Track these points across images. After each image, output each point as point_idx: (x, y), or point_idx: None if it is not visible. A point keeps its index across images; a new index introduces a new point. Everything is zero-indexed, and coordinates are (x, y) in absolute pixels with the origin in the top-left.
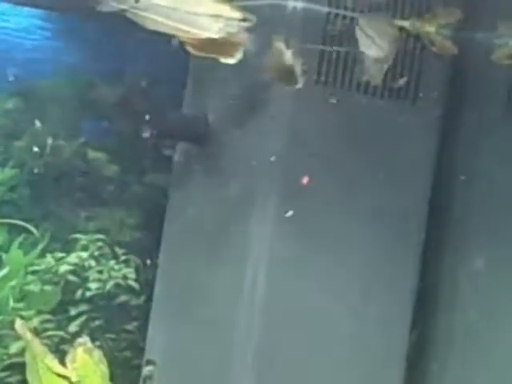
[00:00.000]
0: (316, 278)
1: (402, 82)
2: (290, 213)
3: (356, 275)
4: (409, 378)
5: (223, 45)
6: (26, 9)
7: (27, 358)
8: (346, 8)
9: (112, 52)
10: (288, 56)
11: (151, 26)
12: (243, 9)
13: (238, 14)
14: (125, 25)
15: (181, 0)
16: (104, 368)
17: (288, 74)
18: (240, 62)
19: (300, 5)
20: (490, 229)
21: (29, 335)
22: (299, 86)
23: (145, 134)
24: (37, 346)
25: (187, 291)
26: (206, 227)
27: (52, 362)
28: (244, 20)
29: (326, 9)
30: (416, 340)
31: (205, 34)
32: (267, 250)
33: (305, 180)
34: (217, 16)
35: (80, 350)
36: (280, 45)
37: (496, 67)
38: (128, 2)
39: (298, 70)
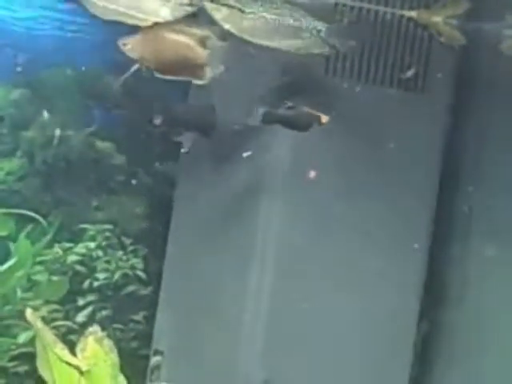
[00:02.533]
0: (324, 267)
1: (410, 72)
2: (249, 153)
3: (364, 265)
4: (417, 368)
5: (191, 67)
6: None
7: (37, 346)
8: None
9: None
10: (200, 54)
11: (101, 14)
12: None
13: None
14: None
15: None
16: (114, 357)
17: (197, 69)
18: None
19: None
20: (499, 219)
21: (39, 324)
22: (205, 81)
23: (156, 120)
24: (47, 335)
25: (195, 281)
26: (213, 216)
27: (62, 351)
28: (191, 4)
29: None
30: (425, 331)
31: (152, 19)
32: (275, 239)
33: (312, 174)
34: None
35: (90, 339)
36: (191, 42)
37: (504, 57)
38: None
39: (209, 66)
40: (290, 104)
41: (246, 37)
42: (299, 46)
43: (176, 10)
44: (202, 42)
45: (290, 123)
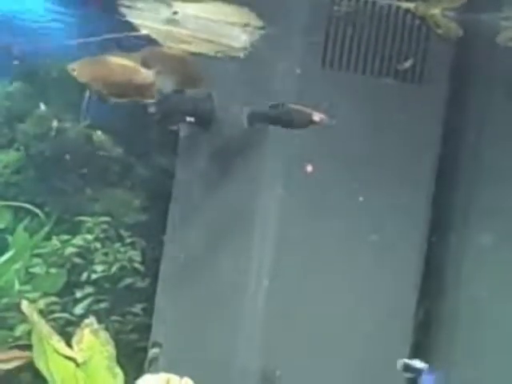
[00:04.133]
0: (321, 258)
1: (407, 64)
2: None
3: (362, 255)
4: (415, 355)
5: (138, 88)
6: None
7: (34, 339)
8: None
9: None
10: (146, 74)
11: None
12: None
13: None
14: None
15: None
16: (111, 349)
17: (145, 90)
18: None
19: None
20: (496, 206)
21: (35, 317)
22: (153, 100)
23: (150, 108)
24: (43, 327)
25: (193, 273)
26: (211, 207)
27: (58, 343)
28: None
29: None
30: (422, 318)
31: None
32: (274, 228)
33: (309, 168)
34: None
35: (86, 331)
36: (135, 65)
37: (502, 48)
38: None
39: (162, 84)
40: (276, 103)
41: (167, 42)
42: (218, 48)
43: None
44: (145, 63)
45: (279, 122)
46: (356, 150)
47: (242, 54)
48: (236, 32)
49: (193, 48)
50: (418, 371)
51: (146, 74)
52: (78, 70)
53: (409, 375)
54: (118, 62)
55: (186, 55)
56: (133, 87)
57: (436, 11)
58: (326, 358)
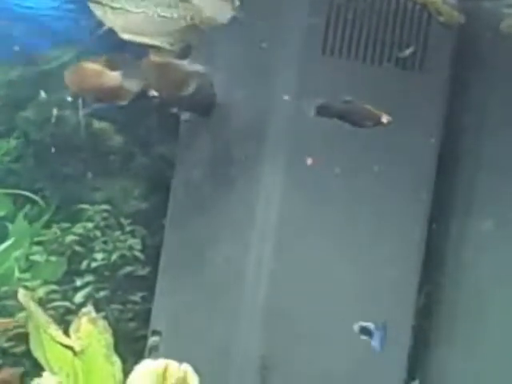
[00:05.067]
0: (323, 243)
1: (408, 51)
2: None
3: (363, 239)
4: (416, 340)
5: (110, 91)
6: None
7: (30, 328)
8: None
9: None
10: (112, 75)
11: None
12: None
13: None
14: None
15: None
16: (108, 337)
17: (115, 92)
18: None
19: None
20: (497, 193)
21: (32, 305)
22: (125, 102)
23: (151, 92)
24: (40, 316)
25: (193, 261)
26: (211, 195)
27: (55, 331)
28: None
29: None
30: (423, 304)
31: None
32: (275, 216)
33: (309, 160)
34: None
35: (84, 320)
36: (96, 65)
37: (503, 35)
38: None
39: (129, 85)
40: (347, 99)
41: (123, 35)
42: (172, 39)
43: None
44: (111, 66)
45: (347, 118)
46: (356, 136)
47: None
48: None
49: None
50: (371, 332)
51: (113, 76)
52: (66, 76)
53: (364, 337)
54: (88, 66)
55: (165, 60)
56: (103, 90)
57: None
58: (326, 346)
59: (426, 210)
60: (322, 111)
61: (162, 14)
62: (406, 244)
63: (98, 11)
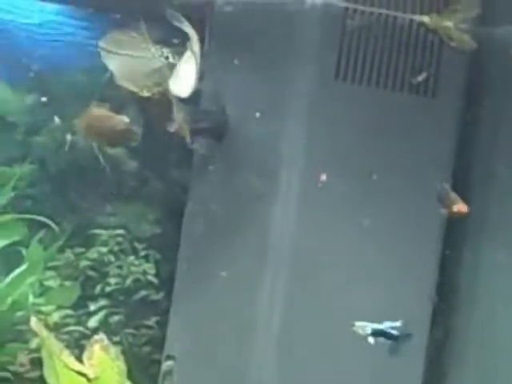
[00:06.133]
0: (337, 270)
1: (421, 77)
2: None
3: (376, 269)
4: (429, 373)
5: (120, 134)
6: (50, 5)
7: (44, 354)
8: (364, 3)
9: None
10: (120, 119)
11: None
12: (266, 6)
13: None
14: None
15: None
16: (121, 364)
17: (124, 135)
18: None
19: (319, 0)
20: (510, 220)
21: (44, 332)
22: (135, 143)
23: (170, 128)
24: (53, 342)
25: (207, 286)
26: (226, 221)
27: (68, 358)
28: None
29: (344, 4)
30: (437, 337)
31: None
32: (289, 241)
33: (323, 177)
34: None
35: (97, 347)
36: (104, 111)
37: None
38: None
39: (133, 128)
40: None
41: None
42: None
43: None
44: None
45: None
46: (369, 163)
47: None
48: None
49: None
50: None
51: (121, 120)
52: (78, 124)
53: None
54: (97, 112)
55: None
56: (114, 134)
57: (449, 24)
58: (341, 373)
59: (440, 235)
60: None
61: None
62: (419, 270)
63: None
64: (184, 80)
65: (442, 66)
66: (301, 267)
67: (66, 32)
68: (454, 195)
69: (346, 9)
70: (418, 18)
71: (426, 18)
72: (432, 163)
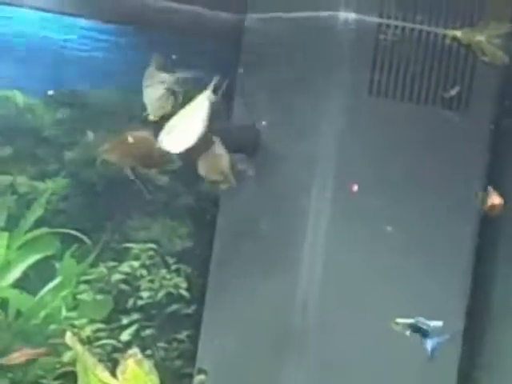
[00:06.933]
0: (370, 283)
1: (454, 91)
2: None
3: (407, 283)
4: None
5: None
6: (79, 20)
7: (78, 368)
8: (397, 18)
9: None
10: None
11: None
12: (299, 21)
13: None
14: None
15: None
16: (155, 378)
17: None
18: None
19: (351, 16)
20: None
21: (79, 347)
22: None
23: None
24: (87, 357)
25: (239, 299)
26: (257, 234)
27: (103, 373)
28: None
29: (376, 19)
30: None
31: None
32: (322, 254)
33: (354, 187)
34: None
35: (130, 362)
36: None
37: None
38: None
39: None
40: None
41: None
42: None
43: None
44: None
45: None
46: (403, 177)
47: None
48: None
49: None
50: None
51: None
52: (107, 150)
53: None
54: (137, 134)
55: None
56: (153, 157)
57: (482, 38)
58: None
59: (471, 251)
60: None
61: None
62: (452, 284)
63: None
64: (181, 134)
65: (475, 80)
66: (335, 278)
67: (99, 47)
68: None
69: (379, 24)
70: (450, 32)
71: (458, 33)
72: (465, 176)
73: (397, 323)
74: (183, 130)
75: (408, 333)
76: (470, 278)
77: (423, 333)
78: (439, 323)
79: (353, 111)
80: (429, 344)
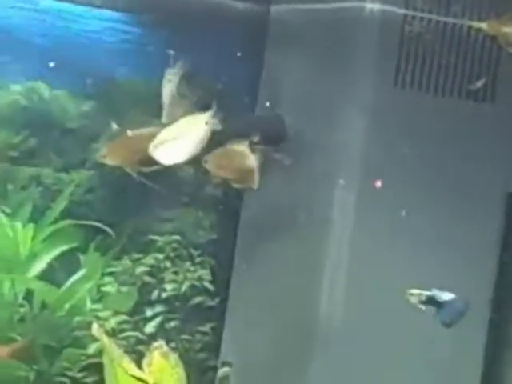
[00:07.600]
0: (394, 279)
1: (480, 83)
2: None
3: (434, 265)
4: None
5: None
6: (105, 12)
7: (105, 360)
8: (422, 10)
9: (185, 55)
10: (251, 160)
11: None
12: (324, 13)
13: None
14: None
15: None
16: (180, 371)
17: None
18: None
19: (377, 7)
20: None
21: (105, 339)
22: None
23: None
24: (114, 349)
25: (263, 292)
26: (282, 226)
27: (129, 365)
28: None
29: (402, 10)
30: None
31: None
32: (348, 246)
33: (378, 183)
34: None
35: (156, 354)
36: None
37: None
38: None
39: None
40: None
41: None
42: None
43: None
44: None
45: None
46: (429, 169)
47: None
48: None
49: None
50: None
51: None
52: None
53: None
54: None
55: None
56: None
57: (507, 30)
58: None
59: (498, 241)
60: None
61: None
62: (477, 278)
63: None
64: (173, 148)
65: (501, 72)
66: (360, 270)
67: (124, 39)
68: None
69: (405, 15)
70: (476, 24)
71: (484, 24)
72: (491, 168)
73: (412, 293)
74: (176, 146)
75: (423, 307)
76: (496, 268)
77: (438, 305)
78: (452, 295)
79: (378, 102)
80: (444, 315)
